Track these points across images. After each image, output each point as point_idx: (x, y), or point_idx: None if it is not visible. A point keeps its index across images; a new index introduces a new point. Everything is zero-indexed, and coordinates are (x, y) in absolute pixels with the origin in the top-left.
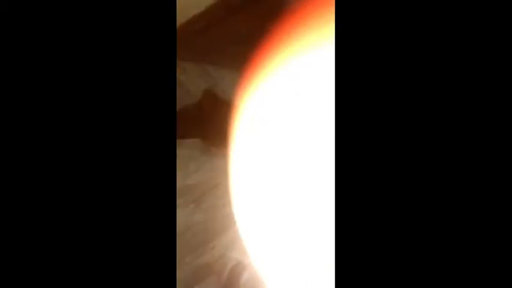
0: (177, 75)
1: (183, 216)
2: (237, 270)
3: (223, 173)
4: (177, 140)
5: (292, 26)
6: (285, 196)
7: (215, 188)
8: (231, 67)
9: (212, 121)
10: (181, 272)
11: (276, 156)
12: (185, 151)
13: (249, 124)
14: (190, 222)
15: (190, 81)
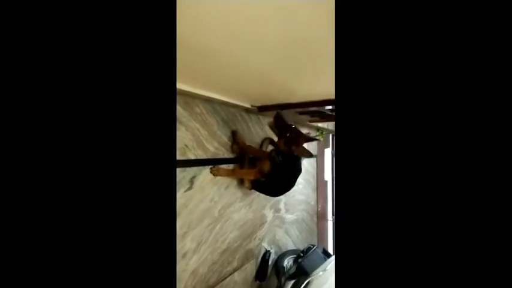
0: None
1: (243, 212)
2: (266, 255)
3: None
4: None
5: None
6: None
7: (258, 196)
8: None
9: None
10: (239, 253)
11: None
12: None
13: None
14: (246, 218)
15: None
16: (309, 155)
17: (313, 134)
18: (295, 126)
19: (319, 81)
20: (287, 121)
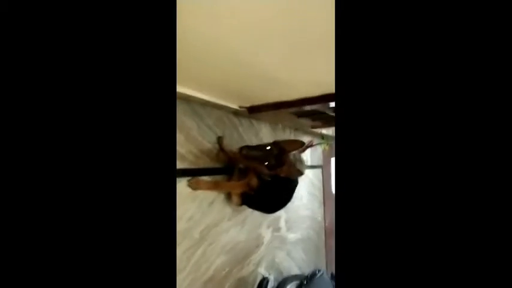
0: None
1: (233, 233)
2: (263, 283)
3: None
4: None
5: None
6: None
7: (252, 214)
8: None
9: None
10: (228, 282)
11: None
12: None
13: None
14: (237, 239)
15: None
16: (299, 174)
17: (316, 142)
18: (272, 146)
19: (318, 67)
20: (257, 155)
